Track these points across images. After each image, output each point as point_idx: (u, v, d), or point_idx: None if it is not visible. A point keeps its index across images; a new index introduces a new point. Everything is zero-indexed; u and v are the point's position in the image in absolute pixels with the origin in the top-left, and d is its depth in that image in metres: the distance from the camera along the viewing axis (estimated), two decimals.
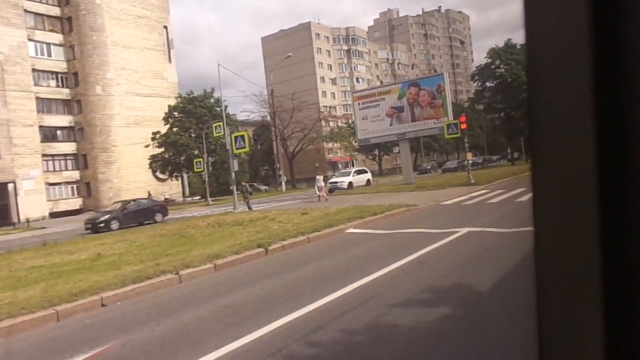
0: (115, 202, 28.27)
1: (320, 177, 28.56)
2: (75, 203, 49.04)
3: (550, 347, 0.63)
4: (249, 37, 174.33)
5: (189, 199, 51.88)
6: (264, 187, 58.64)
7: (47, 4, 48.72)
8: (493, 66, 50.97)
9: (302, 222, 14.68)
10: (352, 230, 13.17)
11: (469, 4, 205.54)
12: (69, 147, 49.48)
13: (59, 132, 49.09)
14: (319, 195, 26.69)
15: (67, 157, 49.41)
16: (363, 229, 13.20)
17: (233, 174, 24.35)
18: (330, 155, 77.98)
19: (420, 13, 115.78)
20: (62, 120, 49.03)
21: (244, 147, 22.89)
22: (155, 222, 24.93)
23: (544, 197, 0.63)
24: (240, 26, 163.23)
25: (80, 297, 7.47)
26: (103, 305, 7.48)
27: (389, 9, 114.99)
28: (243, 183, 27.82)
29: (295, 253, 10.62)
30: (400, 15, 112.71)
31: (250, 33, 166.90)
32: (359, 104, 33.81)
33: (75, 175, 49.64)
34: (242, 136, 22.66)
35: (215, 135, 29.70)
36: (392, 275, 7.54)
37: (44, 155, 46.42)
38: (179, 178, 50.63)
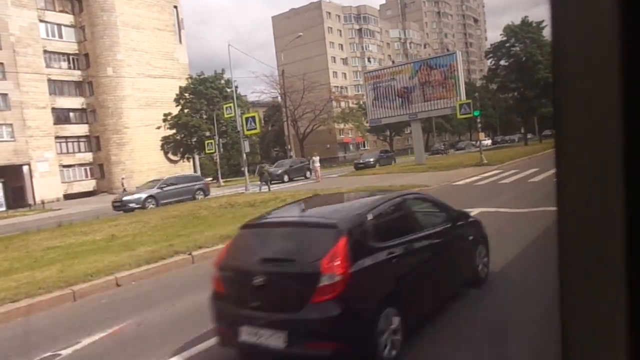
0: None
1: (316, 158, 28.75)
2: (89, 185, 49.58)
3: (574, 337, 0.61)
4: (260, 17, 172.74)
5: None
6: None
7: None
8: (508, 44, 49.94)
9: None
10: None
11: None
12: (81, 129, 49.84)
13: (71, 114, 49.38)
14: (317, 176, 27.44)
15: (80, 139, 49.81)
16: None
17: (244, 155, 24.34)
18: (342, 136, 77.64)
19: None
20: (74, 102, 49.28)
21: (255, 129, 22.82)
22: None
23: (568, 178, 0.61)
24: (252, 6, 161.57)
25: (95, 277, 7.59)
26: (118, 285, 7.60)
27: None
28: (262, 164, 28.00)
29: None
30: None
31: (262, 12, 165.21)
32: (370, 84, 33.47)
33: (88, 157, 50.09)
34: (253, 117, 22.59)
35: (226, 116, 29.66)
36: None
37: (57, 137, 46.83)
38: (191, 159, 50.84)
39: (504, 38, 50.49)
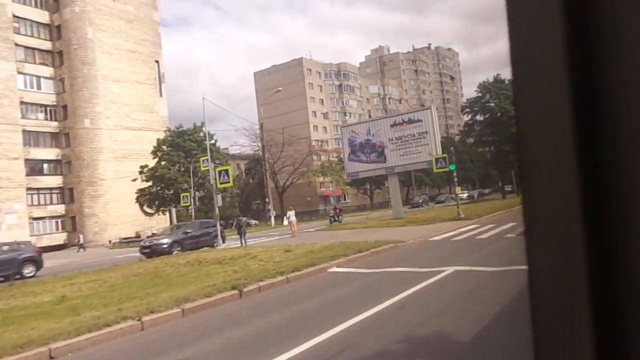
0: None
1: (291, 212, 28.44)
2: (60, 238, 47.89)
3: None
4: (244, 72, 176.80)
5: None
6: (254, 222, 57.77)
7: (39, 38, 48.95)
8: (483, 100, 51.41)
9: (284, 260, 14.06)
10: (334, 269, 12.57)
11: (459, 42, 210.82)
12: (55, 181, 48.74)
13: (45, 165, 48.44)
14: (292, 231, 26.99)
15: (53, 191, 48.62)
16: (346, 268, 12.60)
17: (217, 209, 23.71)
18: (322, 189, 77.55)
19: (411, 50, 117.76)
20: (49, 153, 48.47)
21: (228, 182, 22.37)
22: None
23: (534, 234, 0.63)
24: (236, 61, 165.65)
25: (26, 348, 6.78)
26: (51, 357, 6.79)
27: (380, 45, 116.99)
28: (240, 218, 27.40)
29: (271, 295, 9.99)
30: (391, 52, 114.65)
31: (245, 68, 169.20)
32: (347, 138, 33.64)
33: (60, 209, 48.71)
34: (226, 170, 22.18)
35: (202, 169, 29.26)
36: (370, 321, 6.95)
37: (28, 188, 45.61)
38: (167, 212, 49.80)
39: (479, 94, 52.06)
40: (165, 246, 21.57)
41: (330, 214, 39.06)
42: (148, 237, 31.99)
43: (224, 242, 24.21)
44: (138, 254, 23.17)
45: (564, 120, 0.58)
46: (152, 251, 21.51)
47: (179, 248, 21.87)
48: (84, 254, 35.61)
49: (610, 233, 0.57)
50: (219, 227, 23.98)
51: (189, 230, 23.29)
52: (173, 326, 8.12)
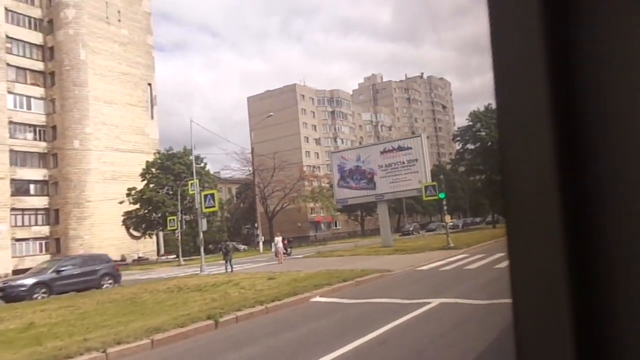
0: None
1: (279, 239, 27.66)
2: (43, 260, 46.79)
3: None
4: (239, 97, 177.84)
5: (164, 257, 49.98)
6: (242, 247, 56.95)
7: (31, 58, 48.90)
8: (474, 129, 51.71)
9: (266, 288, 13.60)
10: (317, 299, 12.12)
11: (451, 72, 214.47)
12: (40, 202, 47.94)
13: (32, 185, 47.72)
14: (278, 258, 26.05)
15: (38, 212, 47.76)
16: (330, 298, 12.16)
17: (201, 234, 23.22)
18: (313, 215, 77.01)
19: (404, 79, 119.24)
20: (36, 173, 47.82)
21: (213, 206, 21.97)
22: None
23: (519, 266, 0.64)
24: (231, 86, 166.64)
25: None
26: None
27: (373, 74, 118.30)
28: (226, 242, 26.68)
29: (248, 326, 9.52)
30: (384, 80, 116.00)
31: (240, 93, 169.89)
32: (336, 164, 33.46)
33: (45, 230, 47.77)
34: (212, 195, 21.81)
35: (190, 192, 28.83)
36: (347, 357, 6.54)
37: (13, 209, 44.78)
38: (154, 236, 48.99)
39: (470, 123, 52.37)
40: (23, 289, 17.09)
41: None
42: (5, 277, 26.16)
43: (117, 282, 20.23)
44: (122, 278, 21.68)
45: (546, 152, 0.59)
46: (5, 295, 17.03)
47: (44, 291, 17.50)
48: None
49: (593, 266, 0.58)
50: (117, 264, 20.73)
51: (65, 268, 18.81)
52: (140, 359, 7.65)
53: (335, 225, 78.83)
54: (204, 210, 22.20)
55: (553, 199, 0.58)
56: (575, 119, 0.60)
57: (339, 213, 66.40)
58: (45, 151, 48.63)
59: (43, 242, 47.61)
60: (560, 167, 0.59)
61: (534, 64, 0.60)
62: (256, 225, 48.70)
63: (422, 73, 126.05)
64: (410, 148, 30.24)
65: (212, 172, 60.99)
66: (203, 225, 22.27)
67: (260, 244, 46.22)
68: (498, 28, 0.65)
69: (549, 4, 0.60)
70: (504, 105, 0.65)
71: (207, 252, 49.14)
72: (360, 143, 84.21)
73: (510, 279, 0.63)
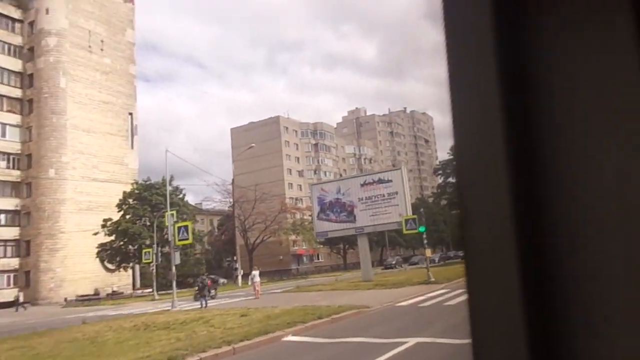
0: None
1: (256, 272, 26.94)
2: (10, 294, 44.72)
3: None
4: (223, 128, 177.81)
5: (140, 291, 48.27)
6: (222, 280, 55.45)
7: (8, 85, 48.17)
8: (455, 163, 52.07)
9: (236, 326, 12.90)
10: (290, 338, 11.47)
11: (433, 107, 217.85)
12: (11, 232, 46.25)
13: (2, 216, 46.14)
14: (255, 292, 25.23)
15: (8, 243, 45.99)
16: (302, 337, 11.52)
17: (174, 268, 22.33)
18: (295, 247, 75.93)
19: (387, 113, 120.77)
20: (8, 203, 46.32)
21: (187, 239, 21.24)
22: None
23: (478, 307, 0.64)
24: (215, 117, 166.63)
25: None
26: None
27: (357, 107, 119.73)
28: (203, 277, 25.65)
29: None
30: (368, 113, 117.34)
31: (224, 124, 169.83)
32: (316, 197, 33.07)
33: (14, 262, 45.92)
34: (186, 226, 21.13)
35: (167, 224, 27.98)
36: None
37: None
38: (129, 269, 47.46)
39: (452, 157, 52.72)
40: None
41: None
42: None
43: None
44: (91, 314, 20.89)
45: (503, 187, 0.60)
46: None
47: None
48: (27, 314, 32.91)
49: (550, 305, 0.58)
50: None
51: None
52: None
53: (318, 258, 77.77)
54: (177, 242, 21.43)
55: (509, 232, 0.59)
56: (534, 154, 0.61)
57: (321, 246, 65.52)
58: (19, 180, 47.32)
59: (12, 274, 45.69)
60: (516, 199, 0.59)
61: (490, 100, 0.61)
62: (235, 258, 47.60)
63: (405, 107, 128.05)
64: (391, 181, 30.05)
65: (193, 204, 60.13)
66: (176, 258, 21.42)
67: (239, 277, 45.10)
68: (454, 68, 0.67)
69: (503, 33, 0.61)
70: (461, 144, 0.66)
71: (185, 285, 47.74)
72: (341, 175, 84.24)
73: (469, 315, 0.63)
